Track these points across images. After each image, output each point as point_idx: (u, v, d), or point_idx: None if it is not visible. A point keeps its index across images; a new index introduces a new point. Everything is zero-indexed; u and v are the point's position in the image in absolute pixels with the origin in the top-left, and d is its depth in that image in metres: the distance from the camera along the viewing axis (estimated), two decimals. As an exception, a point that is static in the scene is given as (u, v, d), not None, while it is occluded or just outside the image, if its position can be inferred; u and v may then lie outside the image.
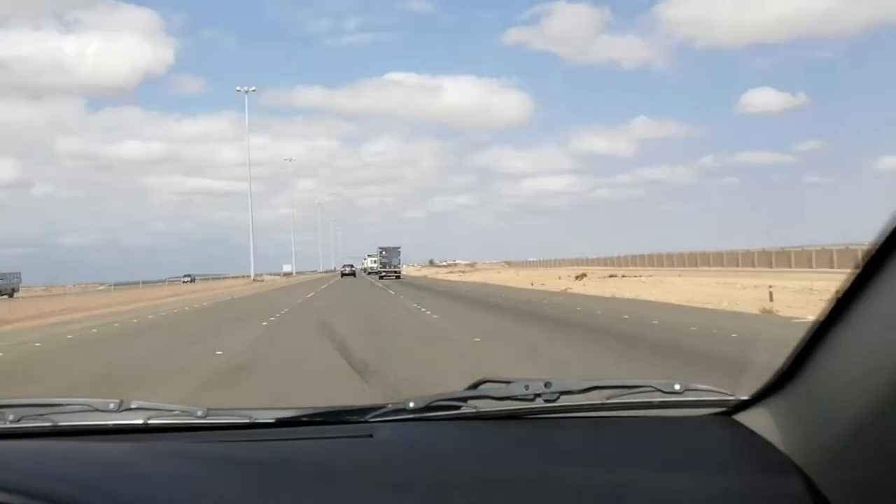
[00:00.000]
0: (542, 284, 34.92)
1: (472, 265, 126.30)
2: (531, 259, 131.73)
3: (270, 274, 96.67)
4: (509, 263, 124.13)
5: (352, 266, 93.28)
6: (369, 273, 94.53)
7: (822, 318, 0.99)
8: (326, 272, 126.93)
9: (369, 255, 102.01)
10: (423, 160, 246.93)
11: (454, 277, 65.30)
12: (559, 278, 40.80)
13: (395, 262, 68.88)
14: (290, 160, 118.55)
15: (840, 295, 0.94)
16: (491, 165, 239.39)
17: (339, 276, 75.79)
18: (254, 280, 70.30)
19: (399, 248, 70.40)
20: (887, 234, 0.82)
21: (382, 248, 69.91)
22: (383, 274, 66.92)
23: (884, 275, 0.85)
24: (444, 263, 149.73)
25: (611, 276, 40.47)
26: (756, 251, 54.18)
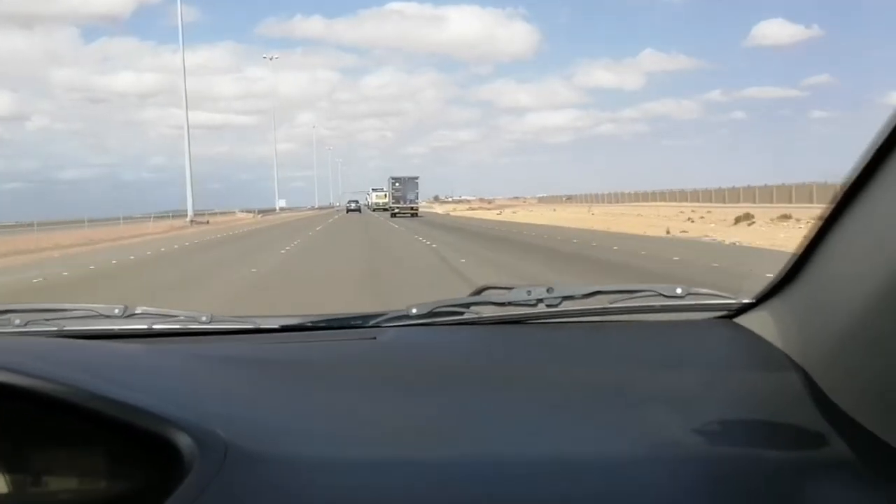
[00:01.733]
0: (669, 232, 22.05)
1: (488, 201, 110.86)
2: (541, 195, 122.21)
3: (244, 211, 79.77)
4: (542, 200, 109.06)
5: (357, 202, 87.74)
6: (375, 210, 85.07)
7: (823, 220, 0.99)
8: (320, 209, 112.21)
9: (374, 189, 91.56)
10: (425, 93, 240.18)
11: (492, 216, 49.67)
12: (672, 219, 29.82)
13: (410, 196, 54.64)
14: (272, 58, 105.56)
15: (840, 195, 0.93)
16: (494, 99, 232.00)
17: (330, 218, 56.74)
18: (192, 222, 45.27)
19: (417, 178, 55.64)
20: (887, 132, 0.81)
21: (395, 179, 55.59)
22: (396, 211, 53.47)
23: (883, 174, 0.84)
24: (450, 199, 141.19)
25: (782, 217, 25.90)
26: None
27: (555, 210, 59.53)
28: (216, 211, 72.39)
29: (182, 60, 51.23)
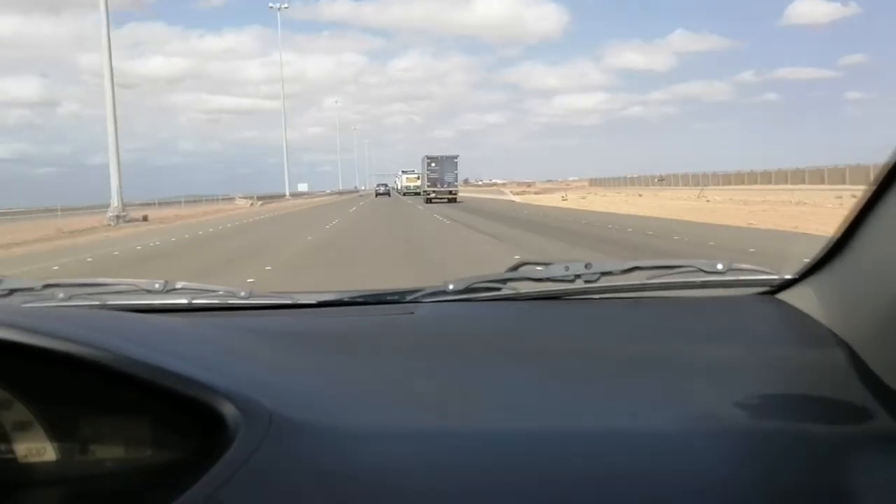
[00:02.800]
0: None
1: (527, 185, 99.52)
2: (576, 178, 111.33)
3: (244, 198, 61.71)
4: (595, 182, 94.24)
5: (386, 185, 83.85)
6: (406, 194, 76.87)
7: (866, 196, 0.97)
8: (340, 193, 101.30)
9: (405, 172, 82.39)
10: (452, 76, 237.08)
11: (561, 204, 36.46)
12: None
13: (448, 178, 47.07)
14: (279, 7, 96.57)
15: (885, 172, 0.92)
16: (522, 82, 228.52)
17: (350, 207, 44.66)
18: (116, 219, 25.75)
19: (456, 158, 47.92)
20: None
21: (430, 159, 47.42)
22: (432, 196, 46.25)
23: None
24: (480, 183, 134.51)
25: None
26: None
27: (640, 196, 45.87)
28: (213, 197, 62.01)
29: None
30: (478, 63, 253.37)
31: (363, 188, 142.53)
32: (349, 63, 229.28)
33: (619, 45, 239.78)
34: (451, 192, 47.00)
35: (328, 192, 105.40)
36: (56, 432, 0.85)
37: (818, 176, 49.04)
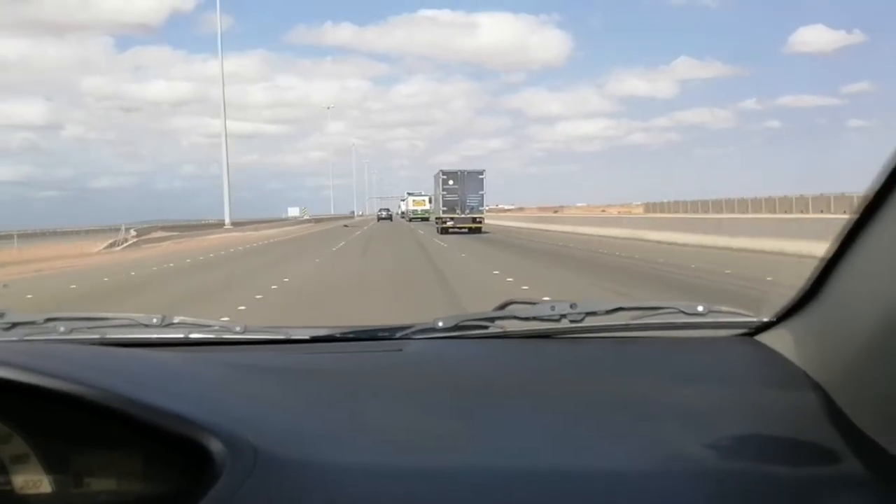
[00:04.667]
0: None
1: (553, 210, 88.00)
2: (581, 203, 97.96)
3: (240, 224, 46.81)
4: (651, 207, 72.36)
5: (388, 210, 79.80)
6: (412, 220, 63.94)
7: (842, 236, 0.99)
8: (317, 221, 71.18)
9: (411, 194, 71.47)
10: (456, 102, 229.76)
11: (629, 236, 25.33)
12: None
13: (472, 200, 34.22)
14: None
15: (860, 211, 0.93)
16: (525, 108, 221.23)
17: (342, 231, 42.50)
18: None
19: (482, 174, 35.23)
20: None
21: (447, 174, 34.72)
22: (449, 223, 33.85)
23: None
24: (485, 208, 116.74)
25: None
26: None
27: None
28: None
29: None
30: (481, 89, 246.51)
31: (360, 213, 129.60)
32: (352, 88, 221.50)
33: (623, 71, 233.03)
34: (474, 220, 34.17)
35: (304, 216, 78.76)
36: (52, 465, 0.89)
37: (824, 203, 47.75)
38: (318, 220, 70.66)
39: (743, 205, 56.65)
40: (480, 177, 34.91)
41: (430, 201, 52.21)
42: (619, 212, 62.53)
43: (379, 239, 30.56)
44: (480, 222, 34.34)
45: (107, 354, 1.13)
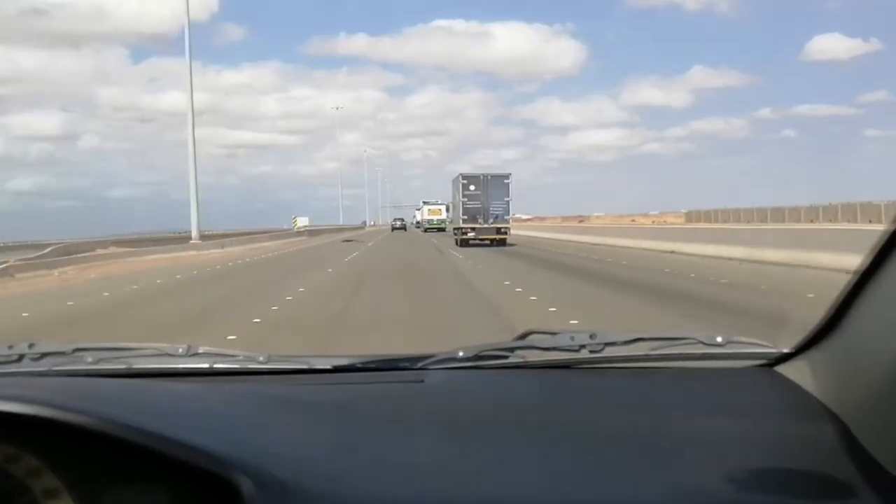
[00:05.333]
0: None
1: (579, 219, 78.18)
2: (598, 213, 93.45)
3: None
4: (691, 215, 68.07)
5: (402, 220, 77.74)
6: (427, 230, 60.85)
7: (862, 268, 0.99)
8: (310, 233, 54.76)
9: (427, 203, 68.17)
10: (469, 112, 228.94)
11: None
12: None
13: (496, 208, 30.18)
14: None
15: (880, 245, 0.94)
16: (538, 118, 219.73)
17: (336, 250, 30.35)
18: None
19: (507, 178, 31.24)
20: None
21: (468, 178, 30.73)
22: (469, 234, 29.84)
23: None
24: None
25: None
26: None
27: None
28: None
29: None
30: (495, 99, 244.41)
31: (372, 223, 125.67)
32: (366, 98, 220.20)
33: (637, 81, 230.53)
34: (499, 231, 30.40)
35: (296, 228, 62.93)
36: (82, 500, 0.90)
37: (851, 211, 46.67)
38: (314, 233, 56.08)
39: (778, 214, 55.06)
40: (506, 181, 30.92)
41: (447, 210, 48.00)
42: (653, 221, 58.50)
43: (382, 268, 18.90)
44: (506, 233, 30.39)
45: (134, 388, 1.15)
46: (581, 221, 64.36)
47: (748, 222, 51.12)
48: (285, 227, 71.45)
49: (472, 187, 30.54)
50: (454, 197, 33.51)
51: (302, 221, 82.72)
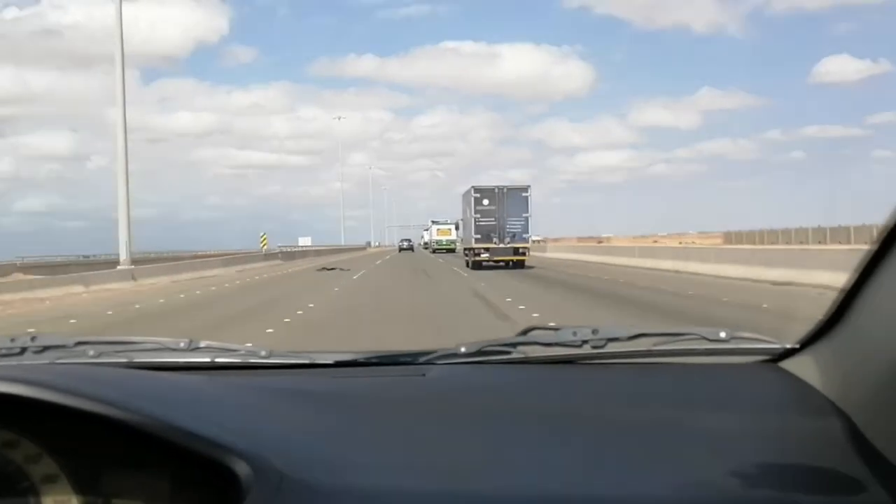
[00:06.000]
0: None
1: (598, 240, 67.18)
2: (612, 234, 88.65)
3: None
4: (730, 235, 63.84)
5: (409, 241, 76.57)
6: (436, 251, 58.81)
7: (865, 263, 0.98)
8: (291, 254, 44.43)
9: (436, 223, 65.64)
10: (477, 132, 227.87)
11: None
12: None
13: (514, 225, 26.53)
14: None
15: (882, 238, 0.93)
16: (546, 139, 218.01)
17: (315, 280, 22.48)
18: None
19: (526, 191, 27.39)
20: None
21: (482, 192, 27.05)
22: (483, 255, 26.31)
23: None
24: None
25: None
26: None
27: None
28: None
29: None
30: (502, 120, 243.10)
31: (377, 244, 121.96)
32: (374, 119, 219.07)
33: (645, 102, 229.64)
34: (517, 251, 26.55)
35: (263, 248, 42.04)
36: (81, 486, 0.90)
37: (867, 232, 45.48)
38: (289, 256, 43.90)
39: (819, 234, 53.01)
40: (524, 194, 27.01)
41: (456, 228, 43.92)
42: (681, 242, 54.13)
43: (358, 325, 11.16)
44: (524, 254, 26.64)
45: (135, 377, 1.14)
46: (600, 242, 59.79)
47: (788, 242, 49.25)
48: (283, 245, 64.25)
49: (485, 202, 26.73)
50: (465, 213, 29.58)
51: (304, 241, 78.73)
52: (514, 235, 26.37)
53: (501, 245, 26.29)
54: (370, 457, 0.93)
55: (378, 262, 40.33)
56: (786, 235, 55.36)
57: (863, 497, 0.83)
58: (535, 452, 0.96)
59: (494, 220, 26.44)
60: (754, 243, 50.48)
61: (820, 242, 44.80)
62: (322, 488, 0.81)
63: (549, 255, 39.45)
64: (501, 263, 26.47)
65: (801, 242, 48.73)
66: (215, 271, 28.08)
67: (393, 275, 26.41)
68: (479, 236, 26.58)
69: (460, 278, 22.31)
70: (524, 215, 26.64)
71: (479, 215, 26.63)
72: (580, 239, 78.72)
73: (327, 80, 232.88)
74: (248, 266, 32.36)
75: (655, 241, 62.05)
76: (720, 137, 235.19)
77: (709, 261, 21.04)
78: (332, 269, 29.98)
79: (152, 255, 44.84)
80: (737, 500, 0.83)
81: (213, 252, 43.51)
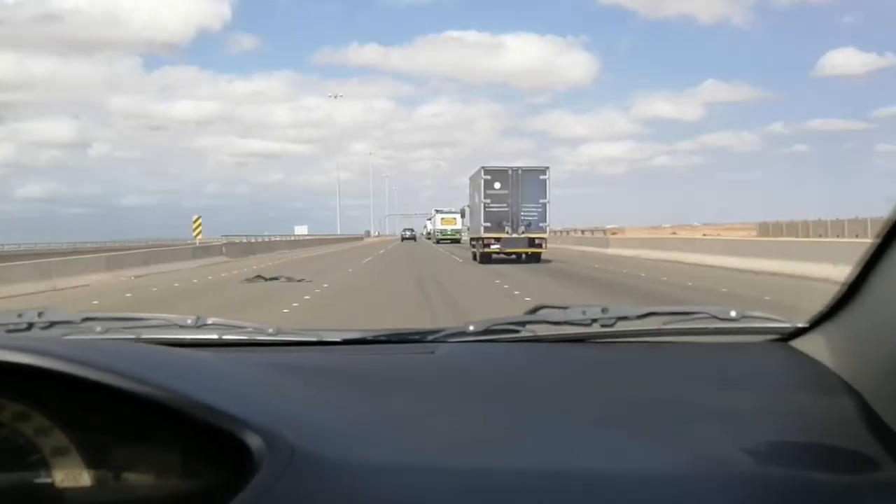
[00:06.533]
0: None
1: (604, 231, 63.42)
2: (611, 225, 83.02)
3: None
4: (767, 226, 54.64)
5: (412, 230, 76.33)
6: (440, 241, 55.50)
7: (878, 241, 0.98)
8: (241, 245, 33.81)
9: (440, 211, 61.71)
10: (480, 123, 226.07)
11: None
12: None
13: (530, 212, 22.44)
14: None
15: (894, 219, 0.92)
16: (550, 130, 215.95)
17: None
18: None
19: (544, 173, 23.26)
20: None
21: (492, 173, 22.93)
22: (492, 246, 22.58)
23: None
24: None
25: None
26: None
27: None
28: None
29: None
30: (506, 110, 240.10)
31: (376, 233, 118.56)
32: (377, 108, 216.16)
33: (649, 94, 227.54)
34: (532, 242, 22.76)
35: (197, 237, 28.93)
36: (92, 459, 0.89)
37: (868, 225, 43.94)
38: (247, 250, 33.15)
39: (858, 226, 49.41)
40: (542, 177, 23.07)
41: (462, 216, 39.52)
42: (704, 234, 49.99)
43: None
44: (541, 245, 22.90)
45: (144, 351, 1.13)
46: (614, 234, 55.41)
47: (840, 235, 45.08)
48: (232, 235, 47.85)
49: (497, 185, 22.90)
50: (472, 199, 25.83)
51: (300, 230, 75.09)
52: (529, 224, 22.62)
53: (515, 235, 22.59)
54: (379, 432, 0.92)
55: (367, 258, 30.15)
56: (819, 227, 50.98)
57: (876, 474, 0.83)
58: (544, 429, 0.95)
59: (507, 207, 22.65)
60: (796, 235, 46.49)
61: (857, 235, 41.07)
62: (333, 461, 0.81)
63: (558, 245, 35.27)
64: (513, 256, 22.98)
65: (855, 235, 42.62)
66: (81, 279, 16.72)
67: (376, 291, 15.20)
68: (488, 224, 22.82)
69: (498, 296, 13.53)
70: (542, 201, 22.88)
71: (489, 200, 22.82)
72: (593, 231, 67.86)
73: (330, 68, 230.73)
74: (158, 269, 21.03)
75: (674, 233, 57.92)
76: (724, 130, 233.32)
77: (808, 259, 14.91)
78: (273, 279, 16.63)
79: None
80: (749, 477, 0.83)
81: (133, 244, 28.20)
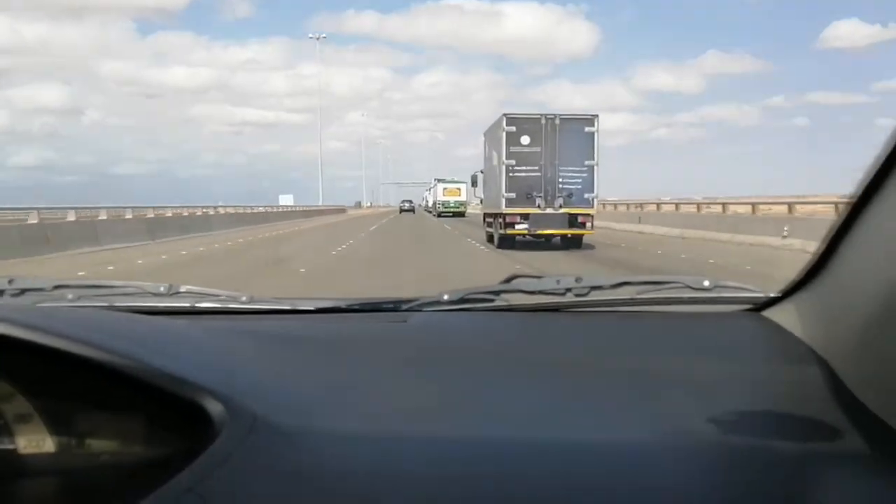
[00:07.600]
0: None
1: (639, 206, 53.52)
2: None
3: None
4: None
5: (411, 202, 72.23)
6: (440, 215, 49.15)
7: (847, 211, 0.97)
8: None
9: (441, 181, 54.38)
10: (478, 94, 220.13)
11: None
12: None
13: (571, 178, 15.48)
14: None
15: (864, 186, 0.91)
16: (549, 101, 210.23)
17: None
18: None
19: (592, 124, 15.81)
20: None
21: (517, 124, 15.61)
22: (519, 226, 15.54)
23: None
24: None
25: None
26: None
27: None
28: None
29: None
30: (504, 81, 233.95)
31: (368, 204, 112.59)
32: (374, 77, 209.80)
33: (650, 65, 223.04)
34: (574, 220, 16.01)
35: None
36: (55, 426, 0.90)
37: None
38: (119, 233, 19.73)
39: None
40: (589, 129, 16.02)
41: (473, 184, 30.98)
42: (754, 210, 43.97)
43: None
44: (584, 225, 16.18)
45: (112, 318, 1.13)
46: (605, 208, 47.33)
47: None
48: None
49: (524, 140, 16.17)
50: (488, 160, 18.61)
51: (286, 200, 69.12)
52: (570, 195, 16.11)
53: (550, 211, 15.98)
54: (346, 400, 0.92)
55: (340, 246, 18.51)
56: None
57: (842, 444, 0.83)
58: (516, 398, 0.96)
59: (539, 171, 16.01)
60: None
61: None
62: (296, 430, 0.81)
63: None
64: (543, 238, 16.60)
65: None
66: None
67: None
68: (512, 196, 16.08)
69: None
70: (588, 163, 16.05)
71: (513, 161, 16.07)
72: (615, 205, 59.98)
73: (327, 36, 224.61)
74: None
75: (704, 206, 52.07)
76: (724, 102, 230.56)
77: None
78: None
79: None
80: (713, 445, 0.83)
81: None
